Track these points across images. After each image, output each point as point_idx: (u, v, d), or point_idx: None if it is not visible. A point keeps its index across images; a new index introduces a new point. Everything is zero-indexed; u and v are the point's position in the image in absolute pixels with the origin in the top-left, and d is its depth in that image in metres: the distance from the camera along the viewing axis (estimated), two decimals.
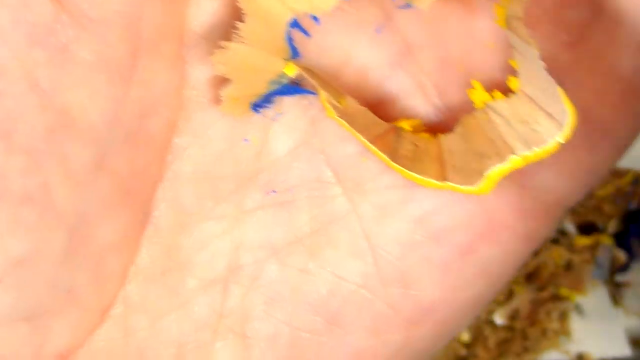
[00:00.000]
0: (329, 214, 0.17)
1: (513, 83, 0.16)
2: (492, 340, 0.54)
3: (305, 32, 0.16)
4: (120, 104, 0.15)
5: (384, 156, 0.16)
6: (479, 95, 0.17)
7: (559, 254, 0.56)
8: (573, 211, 0.57)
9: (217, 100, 0.16)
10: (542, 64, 0.15)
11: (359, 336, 0.17)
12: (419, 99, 0.17)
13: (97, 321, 0.16)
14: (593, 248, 0.56)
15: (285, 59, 0.16)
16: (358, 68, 0.17)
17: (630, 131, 0.17)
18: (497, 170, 0.16)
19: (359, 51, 0.17)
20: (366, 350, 0.17)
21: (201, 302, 0.17)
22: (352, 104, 0.16)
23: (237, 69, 0.16)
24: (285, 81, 0.16)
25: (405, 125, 0.17)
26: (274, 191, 0.17)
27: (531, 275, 0.56)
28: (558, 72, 0.16)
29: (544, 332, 0.55)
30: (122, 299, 0.16)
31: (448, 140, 0.17)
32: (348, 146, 0.17)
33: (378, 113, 0.17)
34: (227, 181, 0.17)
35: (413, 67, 0.17)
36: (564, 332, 0.55)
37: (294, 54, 0.16)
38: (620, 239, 0.57)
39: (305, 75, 0.16)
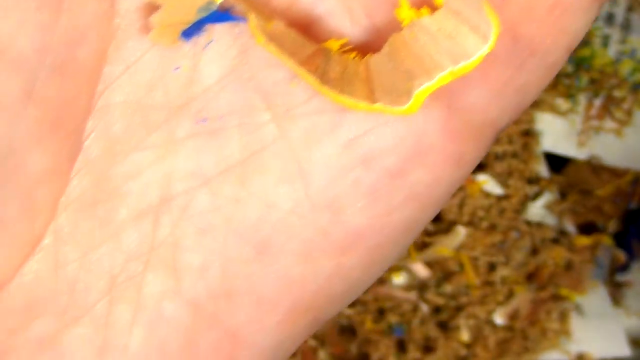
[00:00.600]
0: (259, 140, 0.17)
1: None
2: (492, 340, 0.54)
3: None
4: (49, 32, 0.15)
5: (313, 79, 0.16)
6: (406, 13, 0.17)
7: (559, 254, 0.56)
8: (573, 211, 0.57)
9: (147, 28, 0.16)
10: None
11: (288, 263, 0.17)
12: (346, 20, 0.17)
13: (27, 253, 0.16)
14: (593, 248, 0.56)
15: None
16: None
17: (559, 49, 0.17)
18: (425, 88, 0.16)
19: None
20: (296, 277, 0.17)
21: (132, 233, 0.17)
22: (280, 26, 0.16)
23: None
24: (215, 7, 0.16)
25: (333, 45, 0.17)
26: (205, 119, 0.17)
27: (531, 275, 0.56)
28: None
29: (544, 332, 0.55)
30: (53, 231, 0.16)
31: (376, 60, 0.17)
32: (277, 72, 0.17)
33: (306, 35, 0.17)
34: (158, 110, 0.17)
35: None
36: (564, 332, 0.55)
37: None
38: (620, 239, 0.57)
39: (235, 0, 0.16)
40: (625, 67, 0.57)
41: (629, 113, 0.57)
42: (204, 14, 0.16)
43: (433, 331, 0.54)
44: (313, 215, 0.17)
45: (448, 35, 0.16)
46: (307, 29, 0.17)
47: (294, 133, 0.17)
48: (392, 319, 0.54)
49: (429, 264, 0.55)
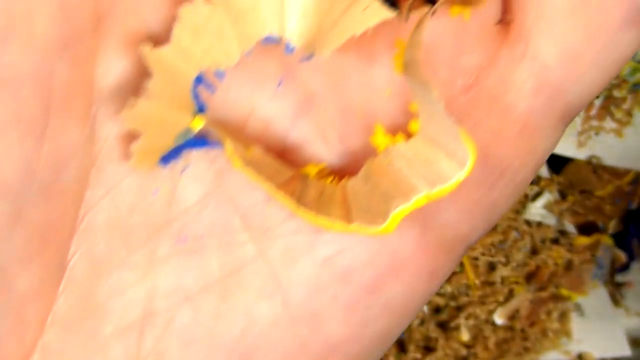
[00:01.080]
0: (238, 259, 0.18)
1: (413, 126, 0.17)
2: (492, 340, 0.54)
3: (210, 87, 0.17)
4: (34, 160, 0.16)
5: (290, 202, 0.17)
6: (381, 140, 0.17)
7: (559, 254, 0.56)
8: (573, 211, 0.57)
9: (127, 155, 0.17)
10: (441, 105, 0.15)
11: None
12: (322, 147, 0.18)
13: None
14: (593, 248, 0.56)
15: (191, 113, 0.17)
16: (262, 120, 0.18)
17: (528, 169, 0.18)
18: (401, 209, 0.17)
19: (262, 103, 0.18)
20: None
21: (117, 348, 0.17)
22: (257, 153, 0.17)
23: (146, 124, 0.16)
24: (192, 135, 0.17)
25: (310, 171, 0.18)
26: (185, 239, 0.17)
27: (531, 275, 0.56)
28: (456, 115, 0.17)
29: (544, 332, 0.55)
30: (41, 347, 0.17)
31: (353, 184, 0.17)
32: (255, 194, 0.17)
33: (283, 161, 0.18)
34: (139, 231, 0.17)
35: (315, 116, 0.18)
36: (564, 332, 0.55)
37: (200, 108, 0.17)
38: (620, 239, 0.58)
39: (211, 128, 0.17)
40: (625, 67, 0.57)
41: (629, 113, 0.57)
42: (182, 141, 0.17)
43: (433, 331, 0.54)
44: (293, 328, 0.18)
45: (424, 160, 0.17)
46: (283, 155, 0.18)
47: (273, 252, 0.17)
48: None
49: None
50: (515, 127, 0.17)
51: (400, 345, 0.54)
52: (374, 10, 0.16)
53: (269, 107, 0.18)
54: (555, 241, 0.57)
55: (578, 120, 0.58)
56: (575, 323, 0.55)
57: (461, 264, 0.55)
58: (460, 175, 0.16)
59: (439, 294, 0.55)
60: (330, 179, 0.18)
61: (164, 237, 0.18)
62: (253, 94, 0.17)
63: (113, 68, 0.17)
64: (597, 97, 0.58)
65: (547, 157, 0.18)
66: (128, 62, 0.17)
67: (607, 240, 0.57)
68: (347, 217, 0.17)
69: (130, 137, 0.17)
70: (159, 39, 0.16)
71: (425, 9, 0.16)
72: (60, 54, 0.16)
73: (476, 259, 0.55)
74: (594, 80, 0.17)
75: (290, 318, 0.18)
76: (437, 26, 0.17)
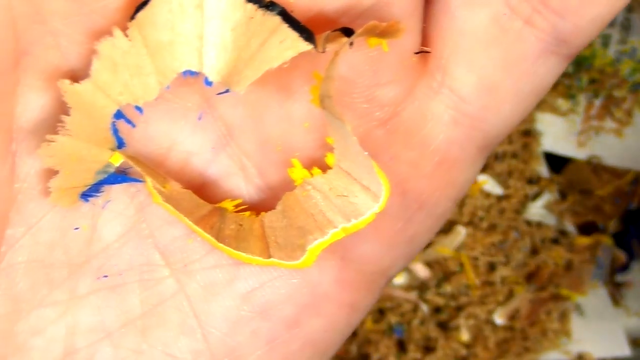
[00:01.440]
0: (158, 295, 0.18)
1: (329, 159, 0.17)
2: (492, 340, 0.54)
3: (129, 121, 0.17)
4: None
5: (209, 237, 0.17)
6: (298, 173, 0.17)
7: (559, 254, 0.56)
8: (573, 211, 0.57)
9: (47, 192, 0.17)
10: (355, 139, 0.15)
11: None
12: (241, 180, 0.18)
13: None
14: (593, 248, 0.56)
15: (111, 149, 0.17)
16: (182, 153, 0.18)
17: (447, 201, 0.18)
18: (318, 243, 0.17)
19: (182, 138, 0.17)
20: None
21: None
22: (176, 187, 0.17)
23: (64, 161, 0.16)
24: (111, 170, 0.17)
25: (228, 205, 0.18)
26: (106, 276, 0.17)
27: (531, 275, 0.56)
28: (374, 147, 0.17)
29: (544, 332, 0.55)
30: None
31: (270, 218, 0.18)
32: (175, 229, 0.18)
33: (202, 195, 0.18)
34: (60, 268, 0.17)
35: (234, 150, 0.18)
36: (564, 332, 0.55)
37: (120, 143, 0.17)
38: (620, 239, 0.57)
39: (131, 163, 0.17)
40: (625, 67, 0.57)
41: (629, 113, 0.57)
42: (102, 177, 0.17)
43: (433, 331, 0.54)
44: None
45: (340, 194, 0.17)
46: (202, 190, 0.18)
47: (192, 287, 0.18)
48: (392, 319, 0.54)
49: (429, 264, 0.55)
50: (434, 159, 0.17)
51: (400, 345, 0.54)
52: (290, 43, 0.16)
53: (189, 141, 0.17)
54: (555, 241, 0.57)
55: (578, 120, 0.58)
56: (575, 323, 0.55)
57: (461, 264, 0.55)
58: (375, 209, 0.16)
59: (438, 294, 0.55)
60: (248, 213, 0.18)
61: (85, 273, 0.17)
62: (173, 128, 0.17)
63: (33, 104, 0.16)
64: (597, 97, 0.58)
65: (467, 188, 0.18)
66: (48, 98, 0.16)
67: (607, 240, 0.56)
68: (266, 251, 0.17)
69: (51, 173, 0.16)
70: (79, 75, 0.16)
71: (343, 40, 0.16)
72: None
73: (476, 259, 0.55)
74: (513, 110, 0.17)
75: (210, 354, 0.18)
76: (354, 58, 0.17)
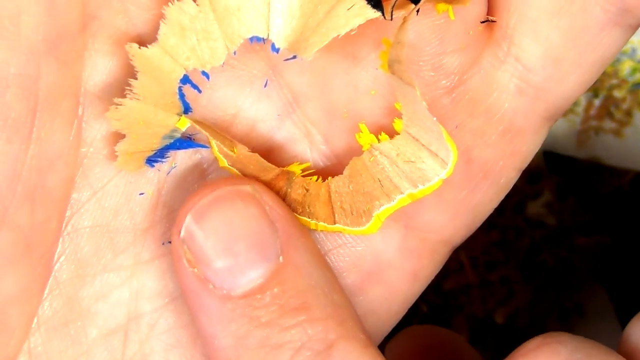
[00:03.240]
0: None
1: (397, 124, 0.17)
2: (492, 340, 0.55)
3: (196, 87, 0.17)
4: (19, 161, 0.16)
5: None
6: (365, 138, 0.17)
7: (559, 254, 0.56)
8: (573, 211, 0.57)
9: (113, 156, 0.17)
10: (424, 104, 0.15)
11: None
12: (306, 147, 0.18)
13: None
14: (593, 248, 0.57)
15: (178, 114, 0.17)
16: (247, 120, 0.18)
17: (512, 170, 0.18)
18: (384, 209, 0.17)
19: (247, 104, 0.18)
20: None
21: (102, 351, 0.18)
22: (243, 151, 0.17)
23: (131, 125, 0.16)
24: (177, 135, 0.17)
25: (295, 169, 0.18)
26: (170, 242, 0.17)
27: (531, 275, 0.56)
28: (439, 116, 0.17)
29: (544, 332, 0.55)
30: (26, 350, 0.17)
31: (337, 183, 0.18)
32: None
33: (269, 160, 0.18)
34: (125, 233, 0.17)
35: (300, 117, 0.18)
36: (564, 332, 0.55)
37: (186, 108, 0.17)
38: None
39: (197, 127, 0.17)
40: (625, 67, 0.57)
41: (629, 113, 0.57)
42: (168, 142, 0.17)
43: None
44: None
45: (407, 159, 0.17)
46: (268, 156, 0.18)
47: None
48: None
49: None
50: (498, 128, 0.17)
51: None
52: (358, 10, 0.16)
53: (255, 108, 0.18)
54: (555, 241, 0.57)
55: (578, 120, 0.58)
56: (575, 323, 0.55)
57: (461, 264, 0.55)
58: (442, 175, 0.17)
59: (438, 294, 0.55)
60: (315, 177, 0.18)
61: (149, 239, 0.18)
62: (239, 94, 0.18)
63: (100, 68, 0.17)
64: (597, 97, 0.58)
65: (531, 157, 0.18)
66: (115, 63, 0.17)
67: (607, 240, 0.57)
68: (331, 216, 0.17)
69: (117, 138, 0.17)
70: (146, 40, 0.16)
71: (410, 7, 0.16)
72: (46, 56, 0.16)
73: (476, 258, 0.55)
74: (577, 81, 0.17)
75: None
76: (421, 26, 0.17)
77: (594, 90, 0.58)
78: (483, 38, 0.17)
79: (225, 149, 0.17)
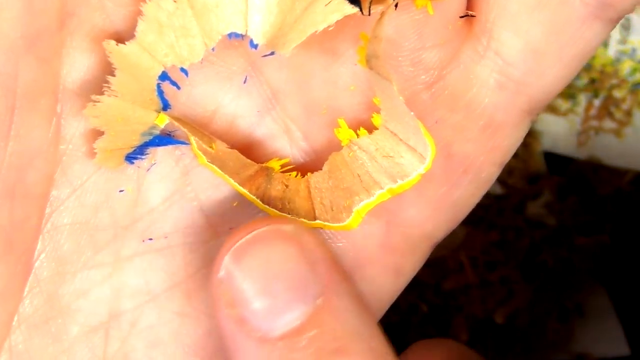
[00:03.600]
0: (203, 257, 0.18)
1: (376, 119, 0.17)
2: (492, 340, 0.54)
3: (174, 83, 0.17)
4: None
5: (255, 198, 0.17)
6: (344, 133, 0.17)
7: (559, 254, 0.56)
8: (573, 211, 0.57)
9: (92, 153, 0.17)
10: (401, 99, 0.15)
11: None
12: (286, 143, 0.18)
13: None
14: (593, 248, 0.56)
15: (156, 111, 0.17)
16: (227, 116, 0.18)
17: (492, 165, 0.18)
18: (364, 204, 0.17)
19: (227, 101, 0.18)
20: None
21: (83, 348, 0.17)
22: (222, 148, 0.17)
23: (110, 122, 0.16)
24: (157, 132, 0.17)
25: (274, 165, 0.18)
26: (151, 239, 0.17)
27: (531, 275, 0.56)
28: (419, 111, 0.17)
29: (544, 332, 0.55)
30: (7, 348, 0.17)
31: (316, 179, 0.18)
32: (220, 192, 0.18)
33: (248, 156, 0.18)
34: (105, 230, 0.17)
35: (279, 113, 0.18)
36: (564, 332, 0.55)
37: (165, 105, 0.17)
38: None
39: (176, 124, 0.17)
40: (625, 67, 0.57)
41: (629, 113, 0.57)
42: (147, 139, 0.17)
43: (432, 331, 0.54)
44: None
45: (386, 154, 0.17)
46: (248, 151, 0.18)
47: None
48: (392, 318, 0.54)
49: (429, 264, 0.55)
50: (478, 123, 0.17)
51: (401, 345, 0.54)
52: (335, 6, 0.16)
53: (234, 104, 0.18)
54: (555, 241, 0.57)
55: (578, 120, 0.58)
56: (575, 323, 0.55)
57: (461, 264, 0.55)
58: (421, 169, 0.17)
59: (438, 294, 0.55)
60: (294, 173, 0.18)
61: (130, 236, 0.18)
62: (218, 91, 0.18)
63: (78, 65, 0.17)
64: (597, 97, 0.58)
65: (512, 152, 0.18)
66: (94, 60, 0.17)
67: (607, 240, 0.56)
68: (311, 212, 0.17)
69: (96, 135, 0.17)
70: (124, 37, 0.16)
71: (388, 2, 0.16)
72: (25, 53, 0.16)
73: (476, 258, 0.55)
74: (558, 75, 0.17)
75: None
76: (400, 21, 0.17)
77: (594, 90, 0.58)
78: (462, 33, 0.17)
79: (204, 146, 0.17)
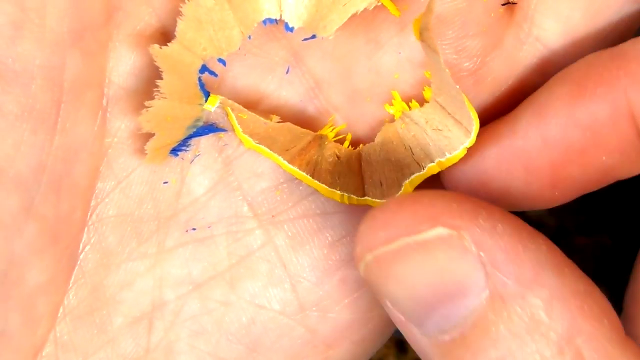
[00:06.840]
0: (246, 246, 0.18)
1: (427, 92, 0.17)
2: None
3: (212, 73, 0.17)
4: (45, 152, 0.16)
5: (304, 174, 0.17)
6: (397, 106, 0.18)
7: None
8: (573, 211, 0.57)
9: (142, 152, 0.17)
10: (448, 72, 0.16)
11: None
12: (337, 115, 0.18)
13: None
14: (593, 248, 0.57)
15: (200, 104, 0.17)
16: (270, 107, 0.18)
17: None
18: (414, 177, 0.17)
19: (270, 91, 0.18)
20: None
21: (127, 338, 0.18)
22: (274, 122, 0.17)
23: (160, 123, 0.17)
24: (200, 124, 0.17)
25: (328, 133, 0.18)
26: (194, 229, 0.18)
27: None
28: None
29: None
30: (53, 339, 0.17)
31: (368, 151, 0.18)
32: (263, 181, 0.18)
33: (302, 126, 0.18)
34: (149, 222, 0.18)
35: (322, 103, 0.18)
36: None
37: (207, 98, 0.17)
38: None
39: (228, 102, 0.17)
40: None
41: None
42: (191, 131, 0.17)
43: None
44: (302, 314, 0.18)
45: (435, 127, 0.17)
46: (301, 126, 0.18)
47: (281, 238, 0.18)
48: None
49: None
50: None
51: (400, 345, 0.54)
52: None
53: (277, 95, 0.18)
54: (555, 241, 0.57)
55: None
56: None
57: None
58: (466, 143, 0.17)
59: None
60: (347, 143, 0.18)
61: (173, 227, 0.18)
62: (261, 82, 0.18)
63: (124, 60, 0.17)
64: None
65: None
66: (139, 53, 0.17)
67: (607, 240, 0.57)
68: (360, 188, 0.18)
69: (145, 133, 0.17)
70: (170, 29, 0.17)
71: None
72: (71, 47, 0.16)
73: None
74: None
75: (298, 304, 0.18)
76: (443, 10, 0.17)
77: None
78: (504, 20, 0.17)
79: (251, 127, 0.17)
